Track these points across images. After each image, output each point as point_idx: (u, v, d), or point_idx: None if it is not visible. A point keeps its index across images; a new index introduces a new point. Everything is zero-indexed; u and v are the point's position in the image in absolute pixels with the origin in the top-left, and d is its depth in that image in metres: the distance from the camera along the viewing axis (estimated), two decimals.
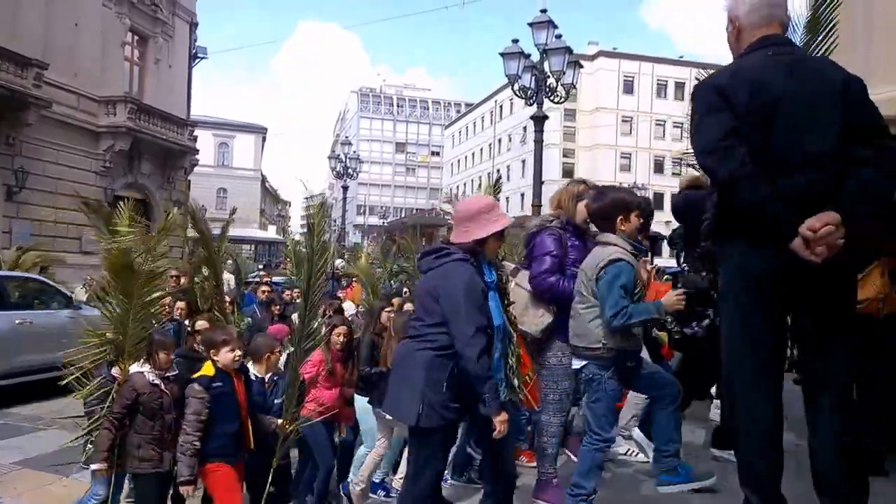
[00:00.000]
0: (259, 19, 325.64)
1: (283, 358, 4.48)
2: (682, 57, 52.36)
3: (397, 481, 4.47)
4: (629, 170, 48.48)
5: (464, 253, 2.95)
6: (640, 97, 50.81)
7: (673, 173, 46.06)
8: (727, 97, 2.25)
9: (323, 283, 4.28)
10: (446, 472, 3.97)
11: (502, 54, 10.81)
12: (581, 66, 12.44)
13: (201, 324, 4.36)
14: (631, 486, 3.81)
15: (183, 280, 7.21)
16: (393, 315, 4.69)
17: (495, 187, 3.87)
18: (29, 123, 15.89)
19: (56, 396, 6.45)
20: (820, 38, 4.32)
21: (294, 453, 4.58)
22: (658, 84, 50.93)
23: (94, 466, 3.45)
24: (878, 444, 3.44)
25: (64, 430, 6.25)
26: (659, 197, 43.27)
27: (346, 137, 36.07)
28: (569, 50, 10.88)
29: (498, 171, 47.70)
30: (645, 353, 3.61)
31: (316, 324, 4.16)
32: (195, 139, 23.81)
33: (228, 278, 13.60)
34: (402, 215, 61.11)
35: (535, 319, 3.49)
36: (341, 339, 4.59)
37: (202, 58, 26.71)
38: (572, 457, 4.20)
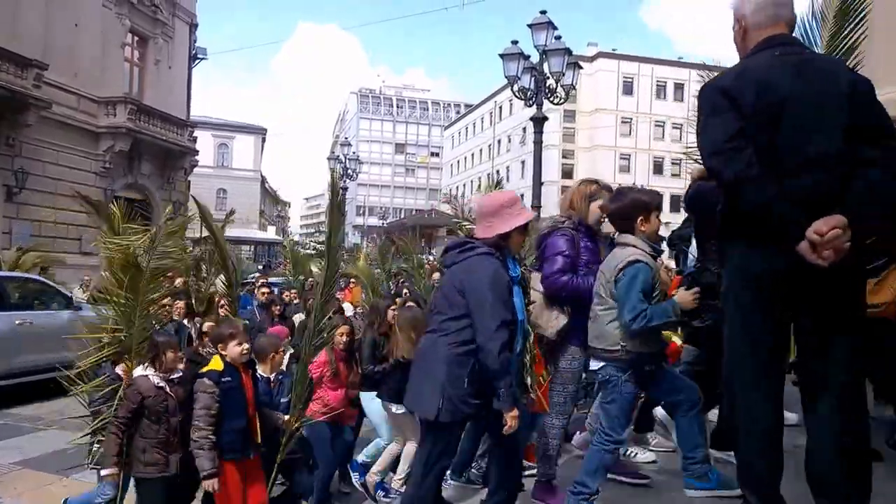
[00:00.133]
0: (259, 19, 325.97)
1: (285, 359, 4.49)
2: (681, 58, 52.38)
3: (396, 481, 4.48)
4: (628, 171, 48.48)
5: (488, 247, 2.96)
6: (639, 98, 50.85)
7: (672, 174, 46.17)
8: (733, 98, 2.24)
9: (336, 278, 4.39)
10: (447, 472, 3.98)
11: (502, 55, 10.83)
12: (580, 68, 12.46)
13: (209, 325, 4.30)
14: (632, 488, 3.80)
15: (178, 281, 7.20)
16: (398, 311, 4.72)
17: (496, 188, 3.88)
18: (29, 124, 15.91)
19: (56, 396, 6.47)
20: (848, 30, 4.26)
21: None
22: (657, 85, 50.98)
23: (104, 472, 3.42)
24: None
25: (64, 430, 6.27)
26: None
27: (346, 138, 36.10)
28: (568, 51, 10.90)
29: (498, 171, 47.69)
30: None
31: (327, 318, 4.18)
32: (195, 140, 23.84)
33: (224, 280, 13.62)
34: (402, 216, 61.11)
35: (549, 321, 3.45)
36: (344, 338, 4.59)
37: (202, 58, 26.73)
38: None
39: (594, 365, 3.23)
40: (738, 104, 2.22)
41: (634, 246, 3.15)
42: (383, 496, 4.49)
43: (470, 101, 71.77)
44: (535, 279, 3.56)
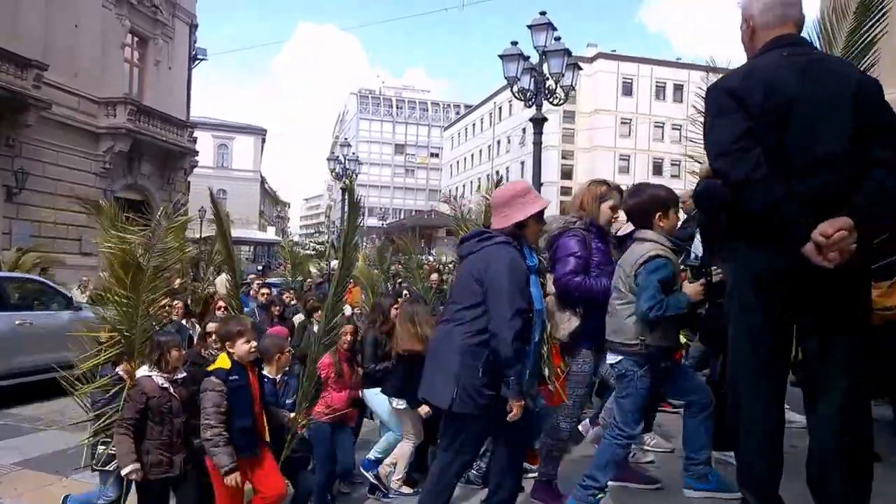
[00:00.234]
0: (259, 19, 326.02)
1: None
2: (680, 59, 52.44)
3: (395, 482, 4.48)
4: (628, 171, 48.50)
5: (505, 236, 2.97)
6: (638, 99, 50.86)
7: (671, 175, 46.14)
8: (740, 98, 2.23)
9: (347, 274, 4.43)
10: None
11: (501, 56, 10.83)
12: (580, 68, 12.45)
13: (213, 326, 4.24)
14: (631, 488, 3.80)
15: (176, 282, 7.18)
16: (400, 306, 4.74)
17: (497, 185, 3.88)
18: (29, 124, 15.92)
19: (56, 397, 6.47)
20: (867, 27, 4.22)
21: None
22: (657, 86, 50.99)
23: (127, 470, 3.34)
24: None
25: (64, 430, 6.27)
26: None
27: (346, 139, 36.07)
28: (568, 52, 10.90)
29: (497, 172, 47.73)
30: None
31: (338, 318, 4.19)
32: (195, 140, 23.86)
33: (223, 280, 13.59)
34: (402, 217, 61.14)
35: (562, 324, 3.45)
36: (348, 338, 4.57)
37: (202, 59, 26.76)
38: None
39: (611, 359, 3.22)
40: (746, 104, 2.21)
41: (654, 241, 3.15)
42: (382, 496, 4.50)
43: (469, 101, 71.80)
44: (548, 280, 3.55)
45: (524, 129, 45.20)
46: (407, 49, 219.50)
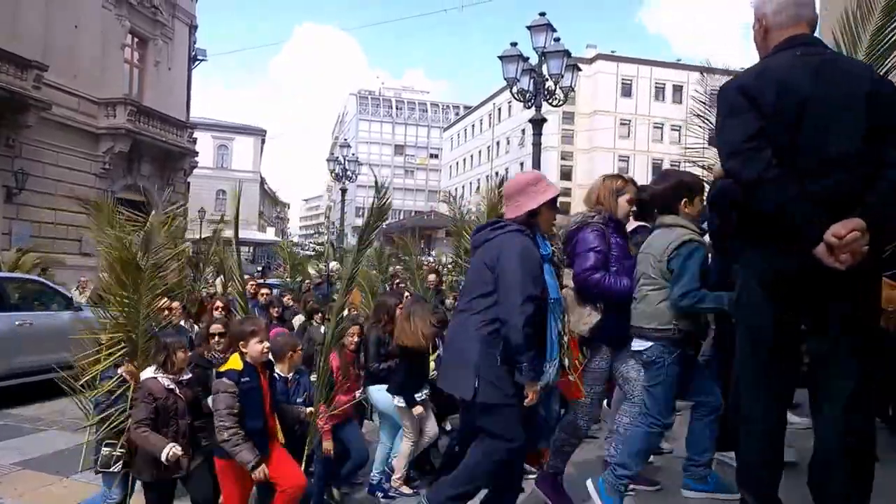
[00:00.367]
0: (259, 19, 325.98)
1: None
2: (679, 60, 52.47)
3: (396, 480, 4.50)
4: (627, 173, 48.17)
5: (518, 225, 2.97)
6: (637, 100, 50.88)
7: None
8: (753, 97, 2.22)
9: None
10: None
11: (501, 57, 10.84)
12: (579, 70, 12.47)
13: (216, 327, 4.20)
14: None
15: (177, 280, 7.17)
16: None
17: (499, 188, 3.89)
18: (29, 125, 15.93)
19: (57, 397, 6.47)
20: (892, 27, 4.17)
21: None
22: (656, 87, 51.02)
23: (167, 450, 3.27)
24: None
25: (65, 430, 6.29)
26: None
27: (345, 140, 36.09)
28: (567, 53, 10.91)
29: (497, 173, 47.75)
30: None
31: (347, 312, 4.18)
32: (194, 141, 23.88)
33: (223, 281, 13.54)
34: (401, 217, 61.12)
35: (582, 318, 3.41)
36: (355, 338, 4.56)
37: (202, 60, 26.77)
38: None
39: (639, 346, 3.19)
40: (759, 104, 2.21)
41: (683, 227, 3.14)
42: (382, 496, 4.51)
43: (469, 102, 71.82)
44: (567, 276, 3.52)
45: (523, 130, 45.23)
46: (406, 50, 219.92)
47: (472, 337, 2.85)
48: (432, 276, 8.97)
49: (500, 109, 56.05)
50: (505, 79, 10.94)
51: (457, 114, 74.97)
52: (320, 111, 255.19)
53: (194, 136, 23.97)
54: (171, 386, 3.47)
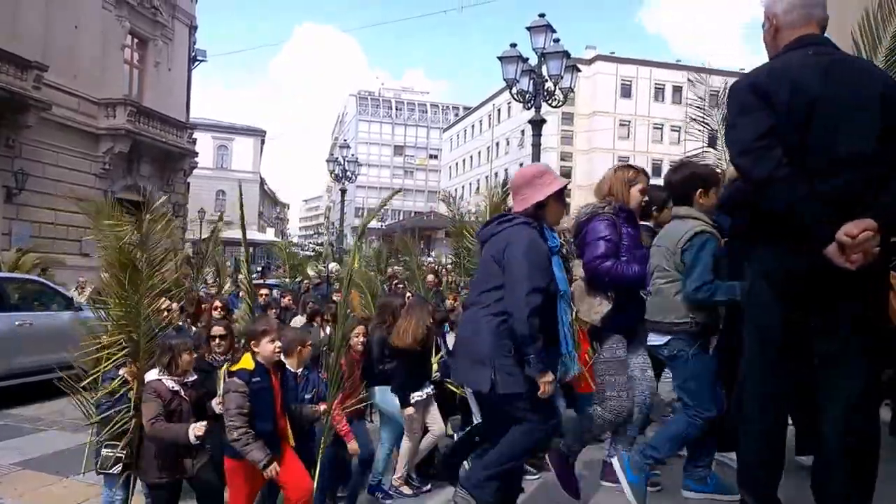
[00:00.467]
0: (259, 19, 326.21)
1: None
2: (679, 61, 52.45)
3: (397, 479, 4.50)
4: None
5: (525, 217, 2.97)
6: (637, 101, 50.90)
7: None
8: (766, 95, 2.22)
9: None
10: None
11: (500, 58, 10.86)
12: (579, 70, 12.49)
13: (217, 330, 4.17)
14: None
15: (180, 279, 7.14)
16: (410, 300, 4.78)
17: (503, 188, 3.88)
18: (29, 125, 15.93)
19: (57, 397, 6.47)
20: None
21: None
22: (655, 88, 51.04)
23: (192, 430, 3.28)
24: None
25: (65, 430, 6.30)
26: None
27: (345, 140, 36.09)
28: (566, 54, 10.93)
29: (496, 174, 47.76)
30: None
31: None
32: (194, 142, 23.89)
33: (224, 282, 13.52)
34: (401, 218, 61.10)
35: (593, 308, 3.39)
36: (361, 339, 4.54)
37: (201, 60, 26.77)
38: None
39: (657, 340, 3.17)
40: (772, 101, 2.20)
41: (696, 218, 3.12)
42: (381, 497, 4.51)
43: (468, 103, 71.79)
44: (577, 266, 3.50)
45: (523, 131, 45.24)
46: (406, 50, 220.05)
47: (483, 330, 2.84)
48: (431, 277, 8.99)
49: (499, 110, 56.07)
50: (504, 80, 10.97)
51: (456, 114, 74.97)
52: (320, 111, 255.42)
53: (194, 136, 23.98)
54: (176, 388, 3.44)
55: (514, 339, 2.76)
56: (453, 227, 8.84)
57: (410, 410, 4.42)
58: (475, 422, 4.72)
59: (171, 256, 4.14)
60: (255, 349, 3.37)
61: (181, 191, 23.40)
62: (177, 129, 21.84)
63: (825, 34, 2.40)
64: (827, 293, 2.16)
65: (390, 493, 4.50)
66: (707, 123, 6.60)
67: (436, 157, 77.44)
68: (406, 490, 4.51)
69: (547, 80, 10.97)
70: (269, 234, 52.50)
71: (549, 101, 11.15)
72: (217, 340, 4.10)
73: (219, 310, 5.59)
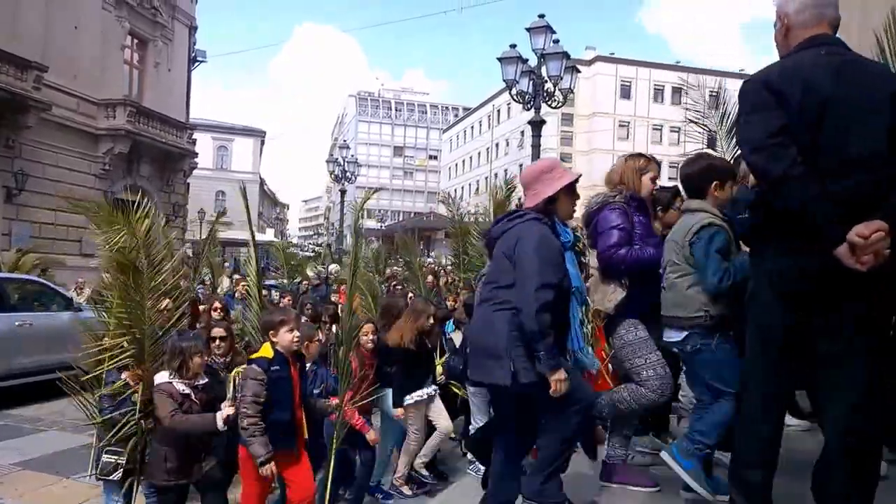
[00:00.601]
0: (259, 19, 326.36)
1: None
2: (678, 62, 52.57)
3: (398, 479, 4.51)
4: None
5: (536, 213, 2.96)
6: (636, 102, 50.94)
7: (670, 178, 46.20)
8: (779, 92, 2.20)
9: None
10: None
11: (500, 59, 10.86)
12: (578, 71, 12.49)
13: (217, 331, 4.15)
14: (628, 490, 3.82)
15: (182, 282, 7.13)
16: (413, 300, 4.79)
17: (507, 188, 3.86)
18: (29, 126, 15.95)
19: (57, 397, 6.47)
20: None
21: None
22: (655, 89, 51.07)
23: (219, 416, 3.27)
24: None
25: (65, 431, 6.30)
26: None
27: (345, 141, 36.13)
28: (566, 55, 10.94)
29: (496, 175, 47.77)
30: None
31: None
32: (194, 142, 23.92)
33: (224, 281, 13.51)
34: (401, 219, 61.12)
35: (607, 296, 3.37)
36: (370, 337, 4.50)
37: (201, 61, 26.79)
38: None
39: (674, 336, 3.13)
40: (785, 99, 2.19)
41: (705, 211, 3.11)
42: (381, 497, 4.52)
43: (468, 104, 71.81)
44: (591, 256, 3.48)
45: (523, 132, 45.26)
46: (406, 50, 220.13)
47: (498, 324, 2.82)
48: (430, 277, 9.01)
49: (499, 111, 56.09)
50: (504, 80, 10.97)
51: (456, 115, 74.99)
52: (320, 112, 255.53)
53: (194, 136, 24.01)
54: (187, 391, 3.39)
55: (524, 336, 2.74)
56: (453, 227, 8.86)
57: (399, 412, 4.42)
58: (475, 424, 4.73)
59: (169, 258, 4.12)
60: (274, 339, 3.35)
61: (181, 191, 23.42)
62: (177, 129, 21.85)
63: (844, 34, 2.39)
64: (833, 293, 2.16)
65: (390, 493, 4.51)
66: (706, 125, 6.58)
67: (435, 157, 77.45)
68: (406, 490, 4.52)
69: (546, 81, 10.98)
70: (269, 235, 52.52)
71: (549, 102, 11.15)
72: (217, 342, 4.07)
73: (218, 311, 5.59)
